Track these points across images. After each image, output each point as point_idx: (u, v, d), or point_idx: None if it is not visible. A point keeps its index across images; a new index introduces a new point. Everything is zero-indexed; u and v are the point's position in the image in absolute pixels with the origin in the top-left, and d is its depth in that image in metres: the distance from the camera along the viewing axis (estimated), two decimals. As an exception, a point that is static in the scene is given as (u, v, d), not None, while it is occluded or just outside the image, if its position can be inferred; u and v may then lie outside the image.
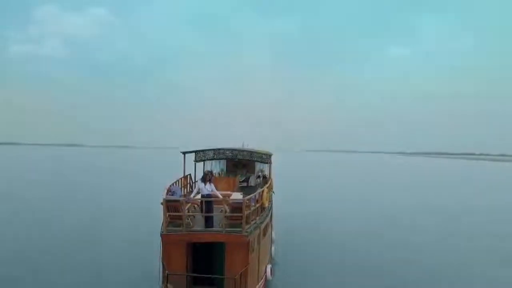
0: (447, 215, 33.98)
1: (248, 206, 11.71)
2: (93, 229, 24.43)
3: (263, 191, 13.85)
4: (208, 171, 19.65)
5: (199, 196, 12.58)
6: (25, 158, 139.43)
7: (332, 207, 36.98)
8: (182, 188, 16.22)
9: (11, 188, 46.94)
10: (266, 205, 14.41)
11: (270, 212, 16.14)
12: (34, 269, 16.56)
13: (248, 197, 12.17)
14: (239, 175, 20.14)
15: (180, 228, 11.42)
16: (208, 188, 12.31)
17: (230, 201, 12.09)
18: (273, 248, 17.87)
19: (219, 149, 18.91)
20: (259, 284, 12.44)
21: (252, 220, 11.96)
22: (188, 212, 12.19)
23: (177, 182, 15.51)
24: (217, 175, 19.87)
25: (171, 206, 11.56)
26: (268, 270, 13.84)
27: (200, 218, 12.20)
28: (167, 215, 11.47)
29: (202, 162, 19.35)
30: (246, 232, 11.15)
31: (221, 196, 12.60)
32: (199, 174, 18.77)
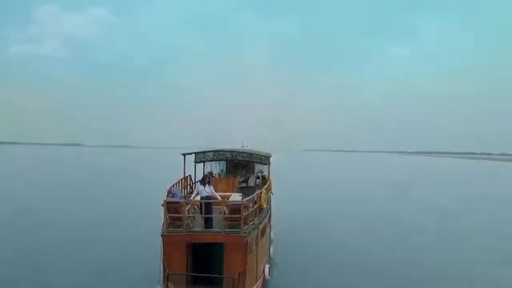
0: (447, 214, 34.22)
1: (247, 208, 11.99)
2: (93, 229, 24.61)
3: (261, 193, 14.11)
4: (209, 172, 20.02)
5: (198, 198, 12.85)
6: (25, 158, 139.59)
7: (331, 207, 37.18)
8: (183, 189, 16.49)
9: (11, 187, 47.06)
10: (265, 206, 14.67)
11: (269, 212, 16.40)
12: (35, 269, 16.73)
13: (247, 198, 12.46)
14: (239, 176, 20.42)
15: (180, 229, 11.69)
16: (208, 190, 12.58)
17: (229, 203, 12.35)
18: (271, 248, 18.11)
19: (218, 150, 19.26)
20: (258, 283, 12.70)
21: (250, 221, 12.23)
22: (188, 213, 12.46)
23: (177, 184, 15.75)
24: (217, 175, 20.16)
25: (172, 207, 11.84)
26: (267, 269, 14.10)
27: (199, 219, 12.47)
28: (168, 217, 11.75)
29: (202, 163, 19.68)
30: (245, 233, 11.42)
31: (220, 198, 12.86)
32: (199, 175, 19.08)
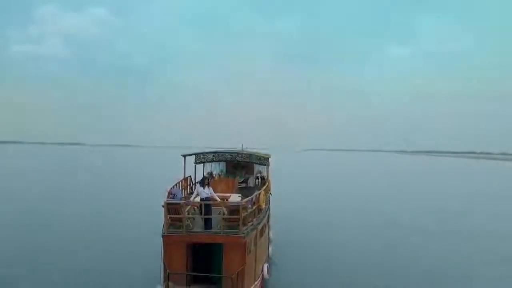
0: (446, 213, 34.43)
1: (245, 209, 12.27)
2: (94, 229, 24.84)
3: (260, 194, 14.38)
4: (208, 173, 20.31)
5: (198, 199, 13.13)
6: (26, 157, 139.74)
7: (330, 207, 37.42)
8: (183, 190, 16.76)
9: (12, 187, 47.24)
10: (263, 206, 14.94)
11: (267, 213, 16.67)
12: (36, 268, 16.91)
13: (245, 200, 12.75)
14: (238, 176, 20.71)
15: (181, 230, 11.98)
16: (207, 192, 12.87)
17: (228, 204, 12.63)
18: (270, 248, 18.38)
19: (218, 151, 19.58)
20: (256, 282, 12.99)
21: (249, 222, 12.51)
22: (188, 214, 12.74)
23: (177, 185, 16.02)
24: (216, 176, 20.45)
25: (172, 208, 12.13)
26: (265, 269, 14.38)
27: (199, 220, 12.75)
28: (168, 217, 12.03)
29: (202, 164, 19.98)
30: (243, 233, 11.71)
31: (218, 199, 13.15)
32: (199, 176, 19.36)
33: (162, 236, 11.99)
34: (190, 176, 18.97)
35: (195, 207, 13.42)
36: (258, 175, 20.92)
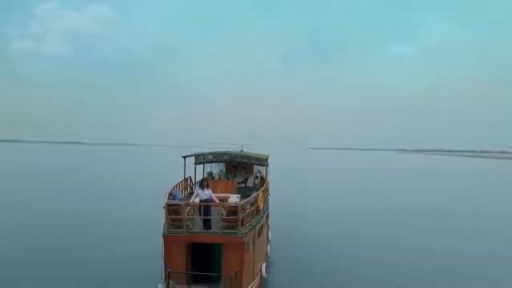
0: (446, 213, 34.60)
1: (244, 209, 12.60)
2: (94, 228, 25.07)
3: (258, 195, 14.71)
4: (208, 173, 20.65)
5: (197, 200, 13.46)
6: (26, 156, 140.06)
7: (329, 206, 37.61)
8: (183, 191, 17.08)
9: (12, 187, 47.57)
10: (261, 207, 15.26)
11: (266, 213, 16.99)
12: (36, 268, 17.12)
13: (244, 201, 13.09)
14: (238, 177, 21.06)
15: (181, 230, 12.32)
16: (206, 193, 13.19)
17: (226, 205, 12.97)
18: (269, 247, 18.70)
19: (218, 152, 19.91)
20: (255, 281, 13.31)
21: (247, 222, 12.84)
22: (188, 214, 13.07)
23: (177, 186, 16.33)
24: (216, 176, 20.80)
25: (172, 209, 12.47)
26: (264, 268, 14.71)
27: (199, 220, 13.09)
28: (169, 218, 12.38)
29: (202, 165, 20.33)
30: (241, 233, 12.05)
31: (217, 201, 13.48)
32: (199, 176, 19.70)
33: (163, 236, 12.32)
34: (190, 177, 19.29)
35: (195, 208, 13.75)
36: (258, 175, 21.27)
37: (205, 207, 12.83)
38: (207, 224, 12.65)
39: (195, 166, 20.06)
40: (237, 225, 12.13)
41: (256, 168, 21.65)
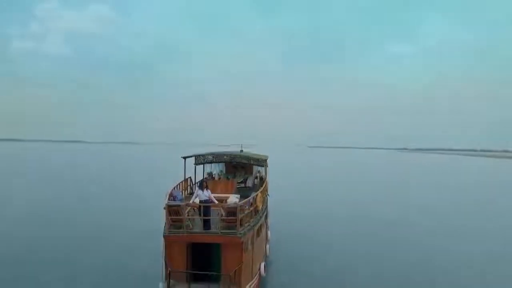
0: (446, 213, 34.70)
1: (242, 210, 12.87)
2: (95, 228, 25.23)
3: (257, 195, 14.97)
4: (208, 173, 20.90)
5: (197, 201, 13.73)
6: (26, 156, 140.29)
7: (329, 206, 37.67)
8: (183, 191, 17.32)
9: (11, 186, 47.66)
10: (260, 207, 15.51)
11: (265, 213, 17.25)
12: (36, 267, 17.30)
13: (243, 202, 13.35)
14: (237, 177, 21.31)
15: (181, 230, 12.59)
16: (206, 194, 13.46)
17: (226, 206, 13.23)
18: (268, 247, 18.95)
19: (218, 153, 20.18)
20: (253, 280, 13.58)
21: (246, 222, 13.11)
22: (188, 215, 13.34)
23: (178, 186, 16.58)
24: (216, 176, 21.06)
25: (173, 210, 12.74)
26: (262, 267, 14.97)
27: (199, 220, 13.36)
28: (169, 218, 12.65)
29: (202, 165, 20.58)
30: (240, 234, 12.32)
31: (216, 202, 13.76)
32: (199, 177, 19.95)
33: (164, 236, 12.59)
34: (190, 177, 19.55)
35: (195, 208, 14.02)
36: (257, 175, 21.53)
37: (205, 208, 13.10)
38: (206, 224, 12.92)
39: (195, 167, 20.31)
40: (236, 225, 12.40)
41: (255, 168, 21.90)
